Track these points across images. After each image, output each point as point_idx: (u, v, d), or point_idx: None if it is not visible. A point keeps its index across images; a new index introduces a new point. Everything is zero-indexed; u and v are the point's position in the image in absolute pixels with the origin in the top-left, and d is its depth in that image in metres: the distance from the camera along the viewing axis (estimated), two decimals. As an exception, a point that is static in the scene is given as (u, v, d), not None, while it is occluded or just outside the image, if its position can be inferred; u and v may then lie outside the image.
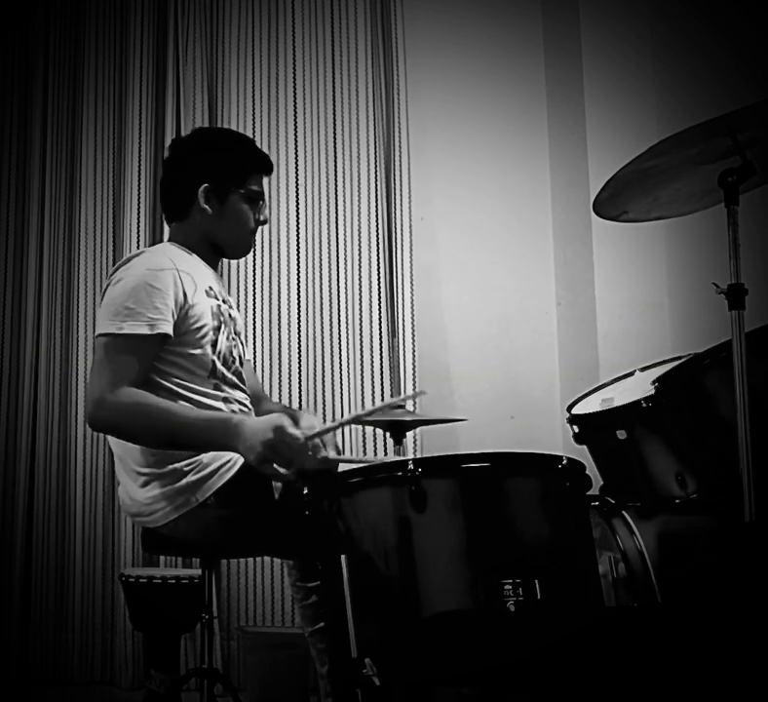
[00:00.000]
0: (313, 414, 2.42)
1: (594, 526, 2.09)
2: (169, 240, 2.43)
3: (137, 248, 3.76)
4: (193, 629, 3.19)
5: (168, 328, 2.14)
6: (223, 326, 2.31)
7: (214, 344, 2.27)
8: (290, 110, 3.87)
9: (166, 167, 2.50)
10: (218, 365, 2.28)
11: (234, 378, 2.33)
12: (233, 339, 2.36)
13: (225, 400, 2.29)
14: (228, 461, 2.20)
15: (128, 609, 3.11)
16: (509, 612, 1.76)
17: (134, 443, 2.17)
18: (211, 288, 2.32)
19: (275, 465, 2.01)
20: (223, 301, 2.37)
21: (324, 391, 3.74)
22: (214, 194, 2.34)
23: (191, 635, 3.42)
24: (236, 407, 2.32)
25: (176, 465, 2.19)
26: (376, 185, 3.79)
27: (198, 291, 2.25)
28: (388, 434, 3.02)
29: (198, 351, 2.23)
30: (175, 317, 2.17)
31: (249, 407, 2.39)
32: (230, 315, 2.38)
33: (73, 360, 3.79)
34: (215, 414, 2.18)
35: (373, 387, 3.69)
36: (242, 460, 2.18)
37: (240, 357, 2.39)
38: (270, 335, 3.77)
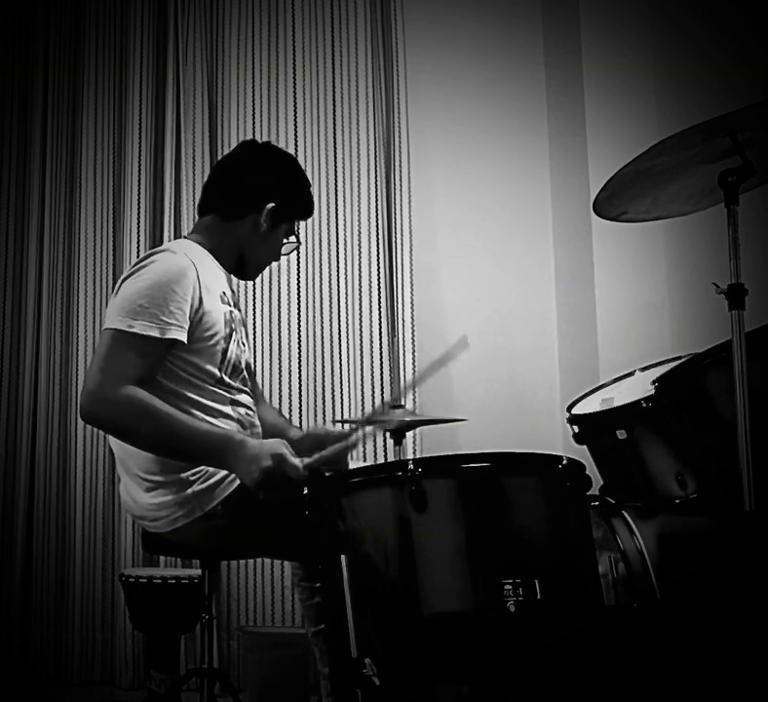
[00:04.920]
0: (316, 430, 2.50)
1: (594, 527, 2.09)
2: (192, 232, 2.43)
3: (137, 248, 3.77)
4: (193, 629, 3.19)
5: (178, 334, 2.12)
6: (234, 333, 2.30)
7: (225, 352, 2.26)
8: (290, 110, 3.87)
9: (238, 164, 2.47)
10: (227, 373, 2.27)
11: (240, 384, 2.33)
12: (242, 346, 2.36)
13: (232, 402, 2.28)
14: None
15: (128, 609, 3.11)
16: (509, 612, 1.76)
17: (126, 442, 2.14)
18: (224, 293, 2.32)
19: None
20: (234, 305, 2.37)
21: (323, 391, 3.74)
22: (272, 216, 2.37)
23: (191, 635, 3.42)
24: (242, 410, 2.31)
25: (182, 474, 2.17)
26: (376, 185, 3.79)
27: (213, 296, 2.25)
28: (388, 434, 3.02)
29: (208, 358, 2.22)
30: (189, 323, 2.15)
31: (254, 410, 2.38)
32: (241, 321, 2.39)
33: (73, 360, 3.79)
34: (218, 430, 2.16)
35: (373, 387, 3.70)
36: None
37: (247, 363, 2.39)
38: (270, 335, 3.77)
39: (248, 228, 2.37)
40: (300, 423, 3.64)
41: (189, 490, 2.16)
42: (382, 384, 3.70)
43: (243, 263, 2.43)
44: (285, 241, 2.47)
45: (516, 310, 3.86)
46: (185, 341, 2.14)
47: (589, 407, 2.54)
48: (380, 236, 3.77)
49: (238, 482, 2.16)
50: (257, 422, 2.37)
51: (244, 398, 2.33)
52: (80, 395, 2.07)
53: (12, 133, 3.93)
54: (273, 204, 2.36)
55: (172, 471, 2.17)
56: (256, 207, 2.36)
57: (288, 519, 2.14)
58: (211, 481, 2.18)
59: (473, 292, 3.87)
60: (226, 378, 2.27)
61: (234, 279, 2.51)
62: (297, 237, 2.51)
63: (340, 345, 3.75)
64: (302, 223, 3.76)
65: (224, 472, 2.18)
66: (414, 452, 3.55)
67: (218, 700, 2.49)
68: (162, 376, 2.17)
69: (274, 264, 3.70)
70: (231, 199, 2.40)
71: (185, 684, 2.91)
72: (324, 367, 3.75)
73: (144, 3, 3.92)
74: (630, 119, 3.53)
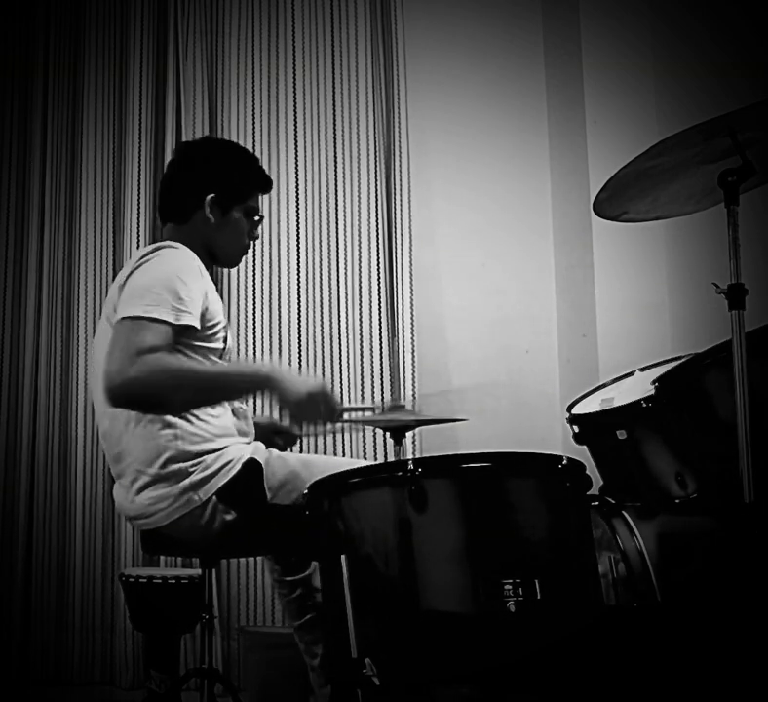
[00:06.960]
0: None
1: (594, 527, 2.09)
2: (170, 239, 2.43)
3: (138, 248, 3.76)
4: (193, 629, 3.19)
5: (191, 319, 2.15)
6: (228, 323, 2.36)
7: (225, 341, 2.31)
8: (290, 110, 3.87)
9: (173, 169, 2.53)
10: (224, 360, 2.32)
11: None
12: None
13: None
14: (230, 461, 2.22)
15: (128, 609, 3.11)
16: (509, 612, 1.76)
17: (161, 407, 2.14)
18: (215, 286, 2.37)
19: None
20: None
21: (324, 391, 3.74)
22: (218, 205, 2.40)
23: (191, 635, 3.42)
24: (236, 401, 2.35)
25: (182, 465, 2.19)
26: (376, 186, 3.79)
27: (212, 288, 2.31)
28: (388, 434, 3.03)
29: (212, 346, 2.26)
30: (198, 313, 2.19)
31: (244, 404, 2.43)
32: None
33: (73, 359, 3.79)
34: (243, 363, 2.24)
35: (373, 387, 3.69)
36: (242, 461, 2.22)
37: None
38: (270, 335, 3.77)
39: (199, 225, 2.40)
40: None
41: (187, 481, 2.19)
42: (382, 384, 3.69)
43: (215, 257, 2.46)
44: (253, 220, 2.47)
45: (516, 310, 3.86)
46: (199, 327, 2.19)
47: (589, 407, 2.54)
48: (380, 236, 3.77)
49: (233, 472, 2.20)
50: (250, 416, 2.41)
51: None
52: (103, 380, 2.04)
53: (12, 133, 3.94)
54: (212, 194, 2.38)
55: (175, 461, 2.19)
56: (198, 203, 2.38)
57: (286, 512, 2.17)
58: (209, 470, 2.20)
59: (473, 293, 3.87)
60: (225, 362, 2.32)
61: (224, 279, 2.55)
62: (257, 211, 2.48)
63: (340, 345, 3.75)
64: (303, 223, 3.78)
65: (222, 463, 2.21)
66: (414, 452, 3.55)
67: (218, 700, 2.49)
68: None
69: (274, 264, 3.76)
70: (173, 204, 2.45)
71: (185, 684, 2.91)
72: (324, 367, 3.75)
73: (144, 3, 3.92)
74: (630, 119, 3.53)
